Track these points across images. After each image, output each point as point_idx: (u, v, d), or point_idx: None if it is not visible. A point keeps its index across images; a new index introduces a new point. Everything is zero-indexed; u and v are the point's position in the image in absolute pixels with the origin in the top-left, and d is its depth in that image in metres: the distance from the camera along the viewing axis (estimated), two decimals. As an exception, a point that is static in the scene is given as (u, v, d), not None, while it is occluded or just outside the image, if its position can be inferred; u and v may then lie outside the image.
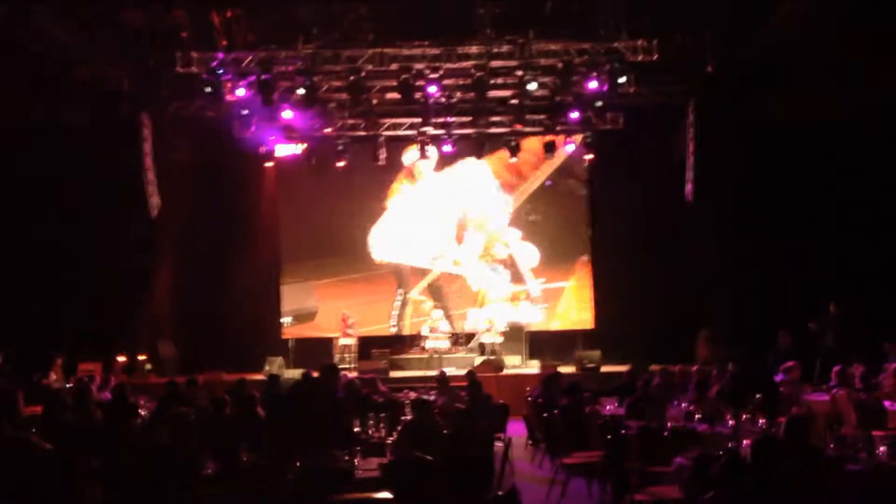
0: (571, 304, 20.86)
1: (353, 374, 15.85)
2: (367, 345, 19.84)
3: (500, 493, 6.37)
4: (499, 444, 10.12)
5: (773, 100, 16.52)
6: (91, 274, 17.91)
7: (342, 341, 19.02)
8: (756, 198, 17.81)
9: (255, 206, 20.53)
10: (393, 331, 20.78)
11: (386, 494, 6.04)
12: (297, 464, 6.60)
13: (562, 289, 20.91)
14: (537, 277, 20.85)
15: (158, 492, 5.65)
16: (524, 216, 21.13)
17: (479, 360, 18.62)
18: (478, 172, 21.10)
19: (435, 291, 21.01)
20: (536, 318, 20.53)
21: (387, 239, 21.03)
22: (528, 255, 20.92)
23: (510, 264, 20.94)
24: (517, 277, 20.88)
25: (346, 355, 19.05)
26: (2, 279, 17.28)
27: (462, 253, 21.03)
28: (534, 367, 18.62)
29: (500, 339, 19.36)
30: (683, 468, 7.56)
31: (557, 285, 20.87)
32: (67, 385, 14.19)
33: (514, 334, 19.77)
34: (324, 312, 20.62)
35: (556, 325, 20.74)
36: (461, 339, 19.95)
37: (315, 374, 12.49)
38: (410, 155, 20.38)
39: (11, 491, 5.21)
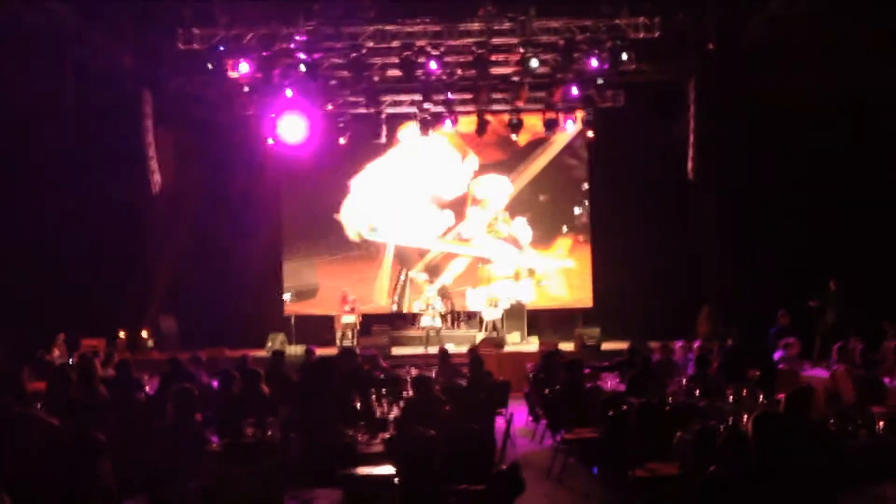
0: (572, 282, 20.92)
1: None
2: (368, 322, 19.93)
3: (502, 468, 6.42)
4: (500, 421, 10.20)
5: (775, 77, 16.46)
6: (93, 250, 17.90)
7: (344, 319, 19.07)
8: (756, 175, 17.80)
9: (257, 182, 20.53)
10: (394, 308, 20.86)
11: (389, 469, 6.09)
12: (303, 439, 6.67)
13: (559, 267, 20.99)
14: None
15: (164, 467, 5.69)
16: (526, 197, 21.18)
17: (479, 336, 18.67)
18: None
19: (432, 270, 21.06)
20: (533, 297, 20.55)
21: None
22: (525, 233, 21.00)
23: (513, 242, 21.00)
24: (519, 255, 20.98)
25: (346, 332, 19.08)
26: (2, 256, 17.28)
27: (468, 229, 21.07)
28: (534, 344, 18.68)
29: (498, 315, 19.38)
30: (684, 443, 7.61)
31: (559, 264, 20.95)
32: (71, 361, 14.23)
33: (514, 312, 19.81)
34: (325, 289, 20.67)
35: (556, 302, 20.82)
36: (461, 317, 19.98)
37: (316, 351, 12.56)
38: (408, 131, 20.35)
39: (19, 466, 5.24)
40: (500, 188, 21.17)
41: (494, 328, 19.14)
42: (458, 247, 21.08)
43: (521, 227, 21.03)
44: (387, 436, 7.25)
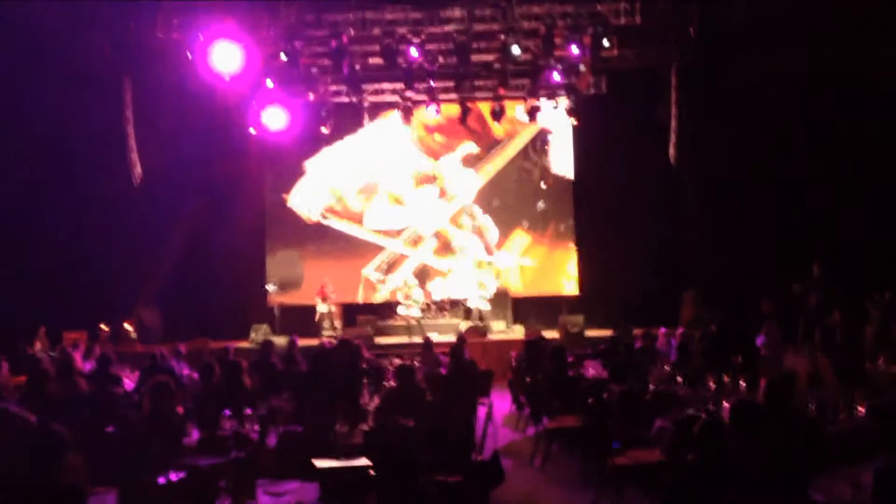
0: (556, 270, 20.95)
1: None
2: (354, 312, 19.90)
3: (480, 458, 6.41)
4: (483, 410, 10.19)
5: (756, 63, 16.45)
6: (74, 242, 17.82)
7: (319, 308, 19.05)
8: (739, 160, 17.81)
9: (240, 172, 20.43)
10: (381, 297, 20.83)
11: (367, 461, 6.06)
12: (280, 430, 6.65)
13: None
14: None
15: (138, 460, 5.65)
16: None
17: (464, 325, 18.65)
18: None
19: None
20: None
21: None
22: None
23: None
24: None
25: (324, 322, 19.05)
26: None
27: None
28: (519, 332, 18.68)
29: (488, 306, 19.37)
30: (664, 431, 7.62)
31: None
32: (52, 354, 14.16)
33: (499, 300, 19.80)
34: (310, 280, 20.60)
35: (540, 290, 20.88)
36: (445, 306, 19.97)
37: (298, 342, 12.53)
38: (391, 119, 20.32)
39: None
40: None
41: (480, 316, 19.10)
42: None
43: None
44: (366, 427, 7.22)
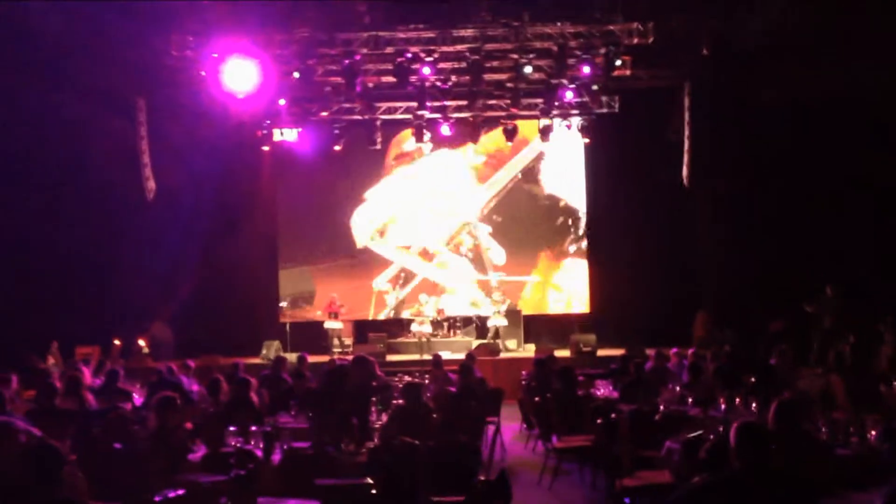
0: (571, 289, 20.91)
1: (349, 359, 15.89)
2: (365, 328, 19.90)
3: (484, 478, 6.35)
4: (491, 429, 10.15)
5: (769, 82, 16.41)
6: (88, 257, 17.90)
7: (327, 325, 19.05)
8: (752, 181, 17.76)
9: (252, 189, 20.52)
10: (391, 315, 20.82)
11: (369, 480, 6.03)
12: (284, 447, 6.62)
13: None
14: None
15: (141, 476, 5.64)
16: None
17: (475, 343, 18.60)
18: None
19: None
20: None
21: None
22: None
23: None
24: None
25: (334, 339, 19.05)
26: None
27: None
28: (530, 351, 18.62)
29: (505, 322, 19.28)
30: (673, 452, 7.55)
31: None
32: (62, 369, 14.18)
33: (511, 318, 19.74)
34: (322, 296, 20.60)
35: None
36: (456, 323, 19.91)
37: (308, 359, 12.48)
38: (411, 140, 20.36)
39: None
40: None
41: (497, 335, 19.02)
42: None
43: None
44: (371, 445, 7.18)
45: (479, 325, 19.80)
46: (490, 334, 19.11)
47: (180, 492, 4.73)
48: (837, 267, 16.24)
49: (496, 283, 20.63)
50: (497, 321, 19.20)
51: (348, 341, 19.32)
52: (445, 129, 19.24)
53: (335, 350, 18.50)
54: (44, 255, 17.68)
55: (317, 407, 8.78)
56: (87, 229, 17.79)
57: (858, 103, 15.78)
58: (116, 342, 17.84)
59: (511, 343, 19.26)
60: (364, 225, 21.18)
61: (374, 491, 5.69)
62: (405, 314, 20.00)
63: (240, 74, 16.00)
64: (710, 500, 4.94)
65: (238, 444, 6.91)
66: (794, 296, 16.05)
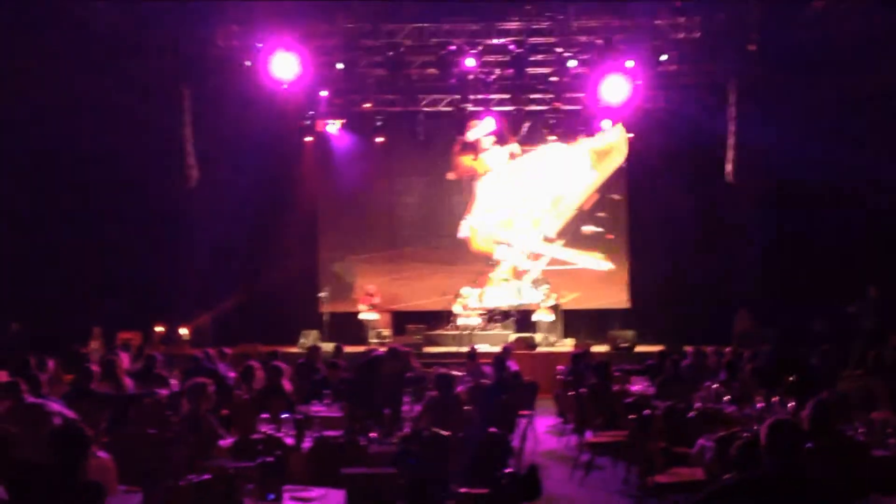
0: (607, 283, 20.78)
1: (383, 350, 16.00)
2: (404, 320, 19.93)
3: (512, 471, 6.34)
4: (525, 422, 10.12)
5: (817, 79, 16.20)
6: (132, 244, 18.14)
7: (362, 316, 19.13)
8: (797, 178, 17.52)
9: (294, 180, 20.62)
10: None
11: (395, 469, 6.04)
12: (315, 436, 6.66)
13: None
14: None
15: (171, 460, 5.71)
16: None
17: (513, 336, 18.56)
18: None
19: None
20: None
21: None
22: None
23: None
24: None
25: (371, 330, 19.12)
26: (46, 250, 17.58)
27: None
28: (568, 345, 18.53)
29: (552, 317, 19.20)
30: (706, 450, 7.50)
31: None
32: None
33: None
34: (361, 287, 20.65)
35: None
36: (496, 317, 19.84)
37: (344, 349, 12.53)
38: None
39: (29, 453, 5.31)
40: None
41: (547, 329, 18.93)
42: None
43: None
44: (401, 435, 7.21)
45: (518, 319, 19.71)
46: (541, 328, 18.97)
47: (206, 477, 4.77)
48: (882, 267, 15.99)
49: (541, 275, 20.49)
50: (543, 316, 19.10)
51: (387, 332, 19.34)
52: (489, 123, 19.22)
53: (371, 342, 18.54)
54: (89, 242, 17.95)
55: (350, 396, 8.85)
56: (132, 216, 18.02)
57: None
58: (158, 329, 18.06)
59: (551, 337, 19.17)
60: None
61: (400, 481, 5.71)
62: (455, 307, 19.83)
63: (284, 64, 16.15)
64: (738, 499, 4.89)
65: (268, 432, 6.97)
66: (837, 295, 15.82)
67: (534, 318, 19.21)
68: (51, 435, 4.76)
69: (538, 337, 18.75)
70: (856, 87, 15.16)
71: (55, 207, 17.62)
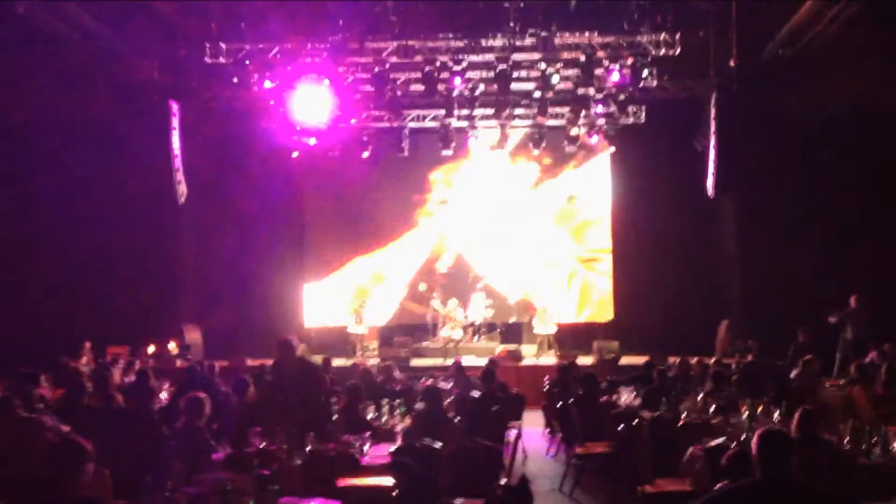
0: (594, 296, 20.93)
1: (371, 362, 16.07)
2: (391, 333, 20.00)
3: (505, 482, 6.42)
4: (513, 434, 10.21)
5: (796, 93, 16.39)
6: (121, 260, 18.17)
7: (350, 329, 19.18)
8: (777, 192, 17.74)
9: (281, 194, 20.64)
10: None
11: (389, 480, 6.11)
12: (307, 449, 6.71)
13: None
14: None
15: (166, 474, 5.74)
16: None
17: (499, 348, 18.63)
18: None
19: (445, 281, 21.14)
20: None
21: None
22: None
23: None
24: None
25: (357, 343, 19.16)
26: (33, 266, 17.55)
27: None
28: (554, 357, 18.59)
29: (555, 329, 19.28)
30: (694, 460, 7.58)
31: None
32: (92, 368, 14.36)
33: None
34: (345, 301, 20.69)
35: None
36: (481, 329, 19.92)
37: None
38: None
39: (16, 470, 5.34)
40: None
41: (549, 344, 19.01)
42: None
43: None
44: (393, 447, 7.27)
45: (503, 331, 19.80)
46: (543, 344, 19.00)
47: (201, 490, 4.82)
48: (862, 278, 16.16)
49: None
50: (543, 329, 19.13)
51: (373, 345, 19.38)
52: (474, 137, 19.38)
53: (358, 354, 18.60)
54: (76, 258, 17.91)
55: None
56: (121, 232, 18.01)
57: (886, 113, 15.72)
58: (148, 344, 18.04)
59: (534, 349, 19.21)
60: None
61: (394, 493, 5.78)
62: (439, 319, 19.90)
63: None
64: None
65: (262, 445, 7.02)
66: (819, 306, 15.98)
67: (535, 330, 19.23)
68: (49, 449, 4.76)
69: (534, 349, 18.83)
70: (834, 101, 15.33)
71: (42, 222, 17.58)
